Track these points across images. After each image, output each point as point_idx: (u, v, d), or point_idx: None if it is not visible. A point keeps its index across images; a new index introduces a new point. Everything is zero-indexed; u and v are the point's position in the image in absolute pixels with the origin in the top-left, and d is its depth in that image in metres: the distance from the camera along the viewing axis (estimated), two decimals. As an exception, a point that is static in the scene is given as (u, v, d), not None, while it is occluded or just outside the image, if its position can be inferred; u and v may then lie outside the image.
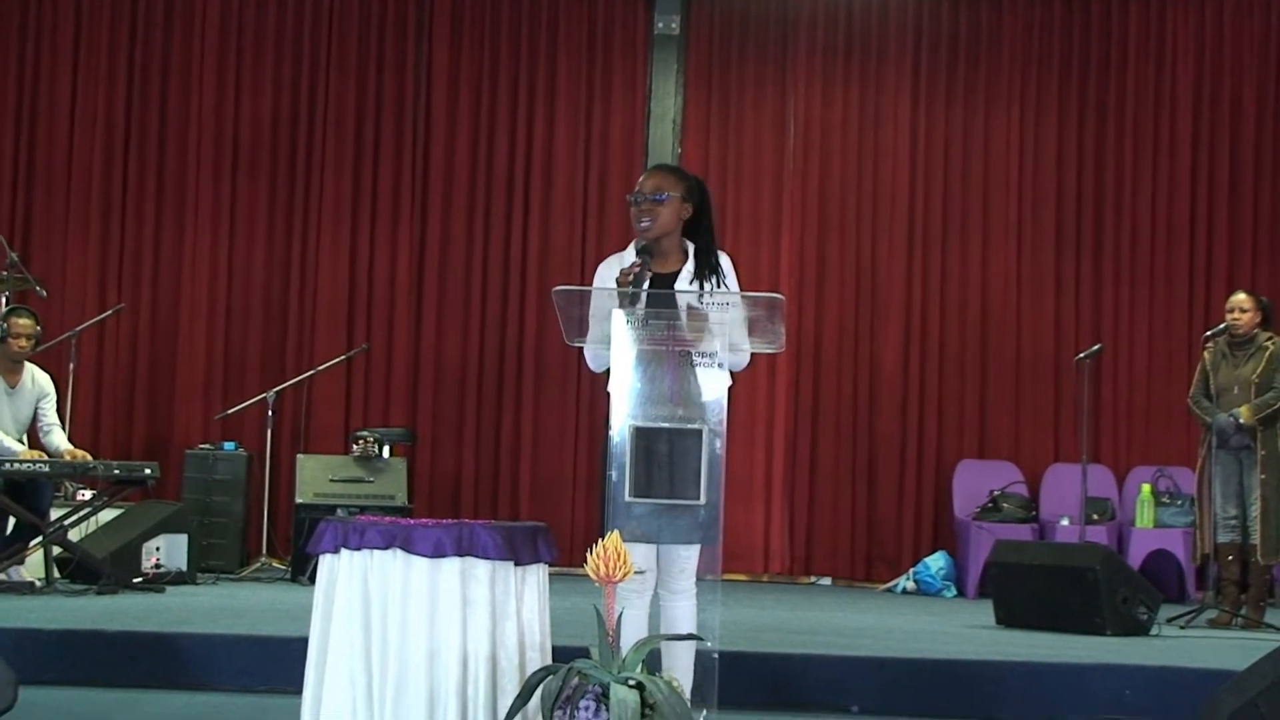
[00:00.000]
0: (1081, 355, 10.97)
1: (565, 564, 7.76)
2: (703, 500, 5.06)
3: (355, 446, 11.73)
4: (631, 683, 4.53)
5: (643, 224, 5.55)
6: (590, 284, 5.54)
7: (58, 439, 10.11)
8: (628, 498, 5.05)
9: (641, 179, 5.65)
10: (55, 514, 10.02)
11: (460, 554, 4.95)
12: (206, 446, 12.28)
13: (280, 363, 13.08)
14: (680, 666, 5.29)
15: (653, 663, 4.95)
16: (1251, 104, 13.35)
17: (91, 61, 13.31)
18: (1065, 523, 12.14)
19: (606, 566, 4.66)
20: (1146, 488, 12.34)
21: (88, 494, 10.81)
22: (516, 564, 5.06)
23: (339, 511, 10.96)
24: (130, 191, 13.26)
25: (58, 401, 10.40)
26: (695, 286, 5.49)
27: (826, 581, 13.09)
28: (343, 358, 12.71)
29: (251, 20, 13.41)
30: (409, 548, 4.94)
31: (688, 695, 4.99)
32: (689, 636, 5.28)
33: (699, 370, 5.12)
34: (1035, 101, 13.39)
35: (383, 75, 13.38)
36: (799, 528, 13.11)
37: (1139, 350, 13.19)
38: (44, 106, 13.31)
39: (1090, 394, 11.28)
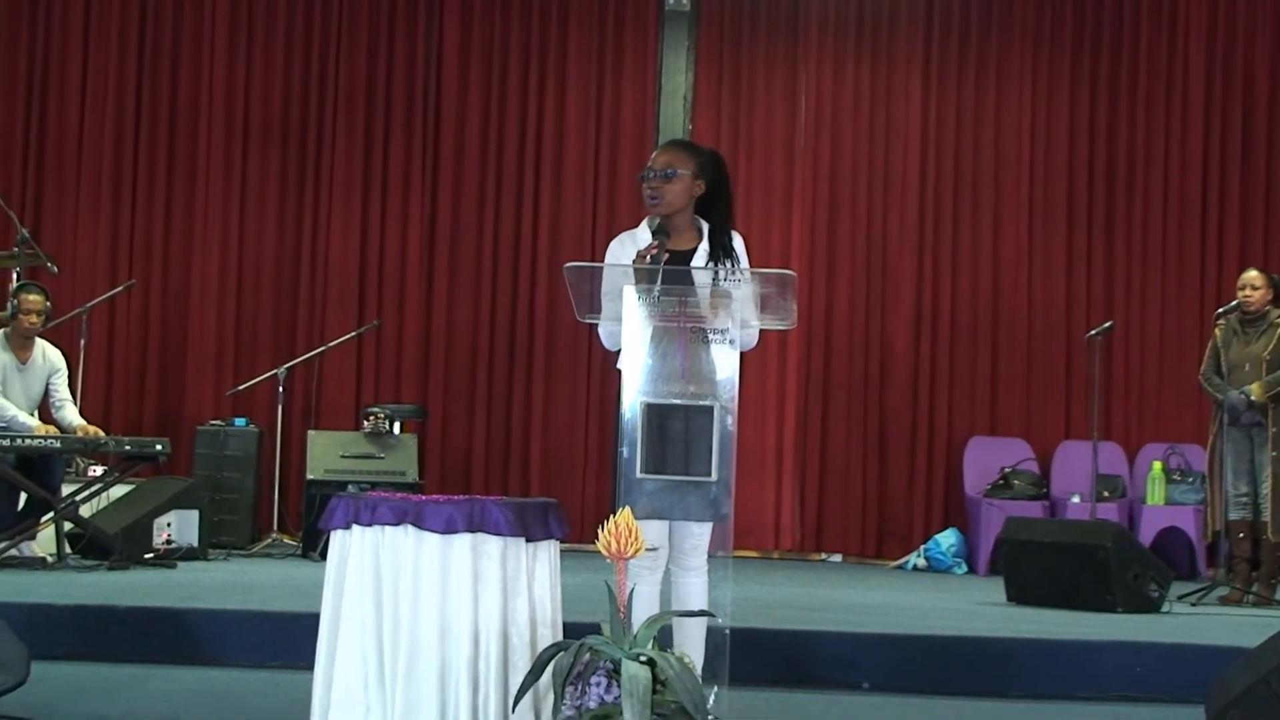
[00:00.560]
0: (1093, 332, 10.96)
1: (576, 540, 7.78)
2: (714, 477, 5.05)
3: (366, 423, 11.73)
4: (643, 659, 4.52)
5: (651, 200, 5.54)
6: (601, 260, 5.52)
7: (70, 414, 10.13)
8: (639, 474, 5.03)
9: (654, 155, 5.62)
10: (67, 489, 10.04)
11: (472, 530, 4.95)
12: (217, 422, 12.29)
13: (291, 339, 13.08)
14: (692, 643, 5.30)
15: (664, 639, 4.94)
16: (1264, 80, 13.31)
17: (102, 38, 13.30)
18: (1076, 500, 12.13)
19: (618, 543, 4.65)
20: (1157, 465, 12.32)
21: (99, 470, 10.81)
22: (528, 540, 5.05)
23: (350, 488, 10.95)
24: (141, 168, 13.26)
25: (69, 378, 10.42)
26: (709, 267, 5.47)
27: (837, 558, 13.09)
28: (353, 334, 12.70)
29: (262, -3, 13.42)
30: (420, 524, 4.94)
31: (699, 671, 4.99)
32: (700, 613, 5.28)
33: (711, 347, 5.11)
34: (1046, 78, 13.35)
35: (393, 52, 13.36)
36: (810, 504, 13.11)
37: (1150, 327, 13.17)
38: (55, 83, 13.30)
39: (1101, 371, 11.29)
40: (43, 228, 12.88)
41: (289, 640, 6.88)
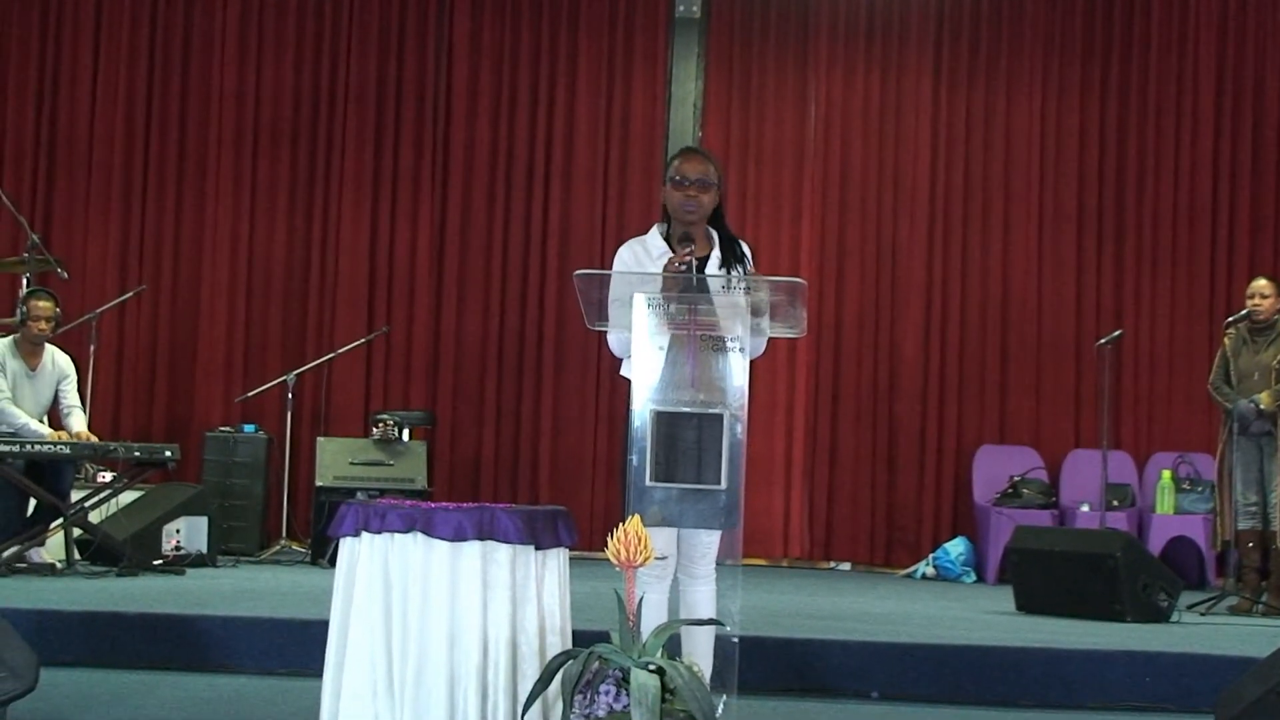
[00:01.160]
0: (1102, 341, 10.96)
1: (585, 548, 7.78)
2: (724, 485, 5.05)
3: (375, 429, 11.75)
4: (652, 667, 4.53)
5: (689, 209, 5.53)
6: (610, 267, 5.52)
7: (75, 422, 10.13)
8: (648, 482, 5.04)
9: (679, 163, 5.60)
10: (76, 496, 10.04)
11: (481, 538, 4.95)
12: (227, 429, 12.30)
13: (301, 345, 13.10)
14: (700, 651, 5.30)
15: (673, 648, 4.94)
16: (1274, 86, 13.30)
17: (112, 41, 13.33)
18: (1085, 509, 12.13)
19: (627, 551, 4.66)
20: (1167, 474, 12.31)
21: (108, 476, 10.83)
22: (537, 548, 5.06)
23: (359, 494, 10.98)
24: (151, 172, 13.29)
25: (78, 383, 10.43)
26: (723, 273, 5.48)
27: (846, 566, 13.09)
28: (363, 340, 12.71)
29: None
30: (430, 531, 4.95)
31: (708, 680, 4.99)
32: (709, 621, 5.28)
33: (721, 355, 5.11)
34: (1056, 84, 13.35)
35: (403, 55, 13.38)
36: (819, 512, 13.11)
37: (1160, 335, 13.16)
38: (65, 86, 13.33)
39: (1111, 379, 11.28)
40: (53, 232, 12.92)
41: (298, 647, 6.89)
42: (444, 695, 4.87)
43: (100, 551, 9.84)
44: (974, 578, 12.39)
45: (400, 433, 11.75)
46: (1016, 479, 12.57)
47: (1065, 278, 13.21)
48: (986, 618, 9.02)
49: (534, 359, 13.20)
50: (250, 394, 12.33)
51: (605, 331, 5.40)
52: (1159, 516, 12.20)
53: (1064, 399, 13.11)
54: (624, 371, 5.44)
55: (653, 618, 5.12)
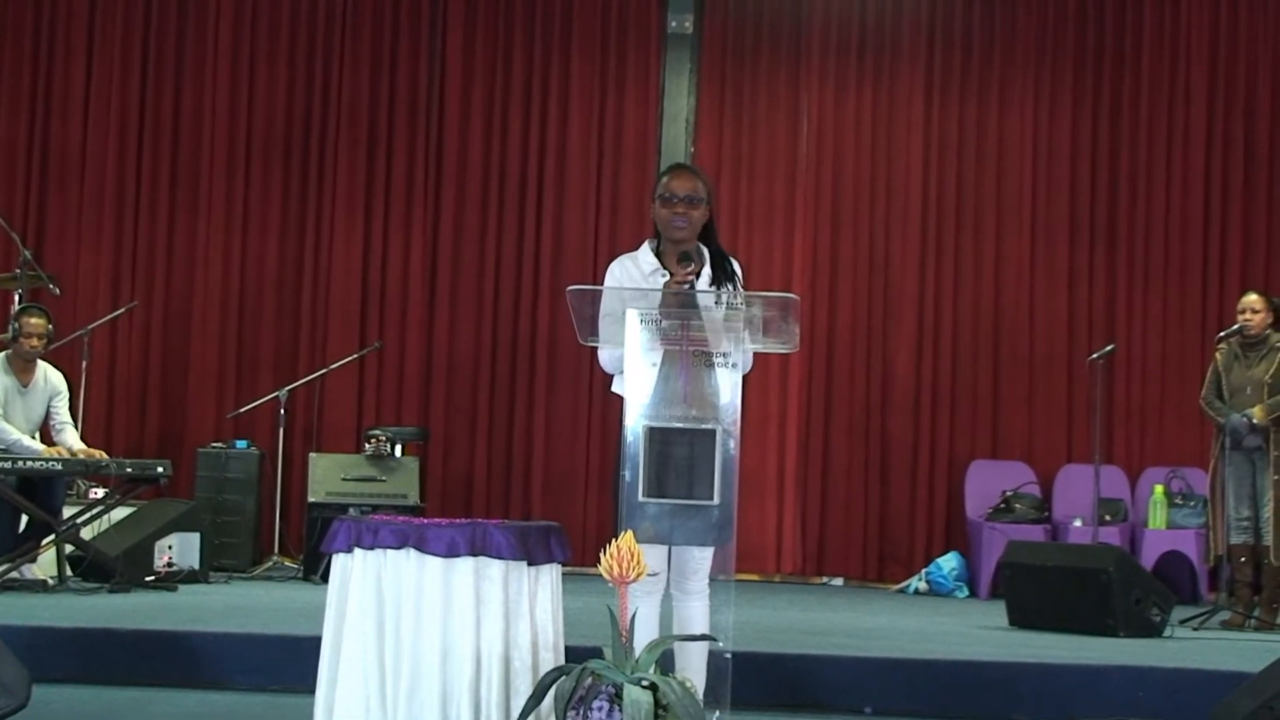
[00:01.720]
0: (1095, 355, 10.97)
1: (578, 563, 7.76)
2: (716, 501, 5.07)
3: (368, 445, 11.74)
4: (645, 683, 4.54)
5: (680, 225, 5.55)
6: (602, 282, 5.54)
7: (70, 438, 10.13)
8: (641, 498, 5.05)
9: (668, 179, 5.62)
10: (68, 512, 10.05)
11: (474, 554, 4.97)
12: (219, 445, 12.29)
13: (293, 360, 13.09)
14: (693, 667, 5.31)
15: (666, 663, 4.95)
16: (1266, 100, 13.33)
17: (105, 56, 13.33)
18: (1078, 523, 12.13)
19: (620, 567, 4.67)
20: (1159, 488, 12.32)
21: (100, 492, 10.83)
22: (530, 564, 5.07)
23: (351, 510, 10.97)
24: (144, 187, 13.29)
25: (70, 399, 10.43)
26: (713, 289, 5.50)
27: (838, 582, 13.09)
28: (355, 356, 12.71)
29: (265, 14, 13.42)
30: (423, 547, 4.96)
31: (701, 696, 4.99)
32: (702, 637, 5.29)
33: (713, 370, 5.13)
34: (1049, 97, 13.37)
35: (396, 70, 13.39)
36: (811, 527, 13.11)
37: (1152, 349, 13.17)
38: (58, 102, 13.33)
39: (1103, 394, 11.29)
40: (45, 247, 12.93)
41: (291, 663, 6.89)
42: (437, 711, 4.88)
43: (92, 568, 9.82)
44: (966, 593, 12.39)
45: (393, 448, 11.74)
46: (1009, 494, 12.58)
47: (1057, 291, 13.23)
48: (979, 632, 9.03)
49: (526, 374, 13.21)
50: (242, 409, 12.33)
51: (596, 347, 5.42)
52: (1151, 531, 12.21)
53: (1056, 413, 13.12)
54: (616, 388, 5.46)
55: (645, 633, 5.13)
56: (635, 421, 5.08)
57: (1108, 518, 12.07)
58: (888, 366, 13.22)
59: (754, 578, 12.84)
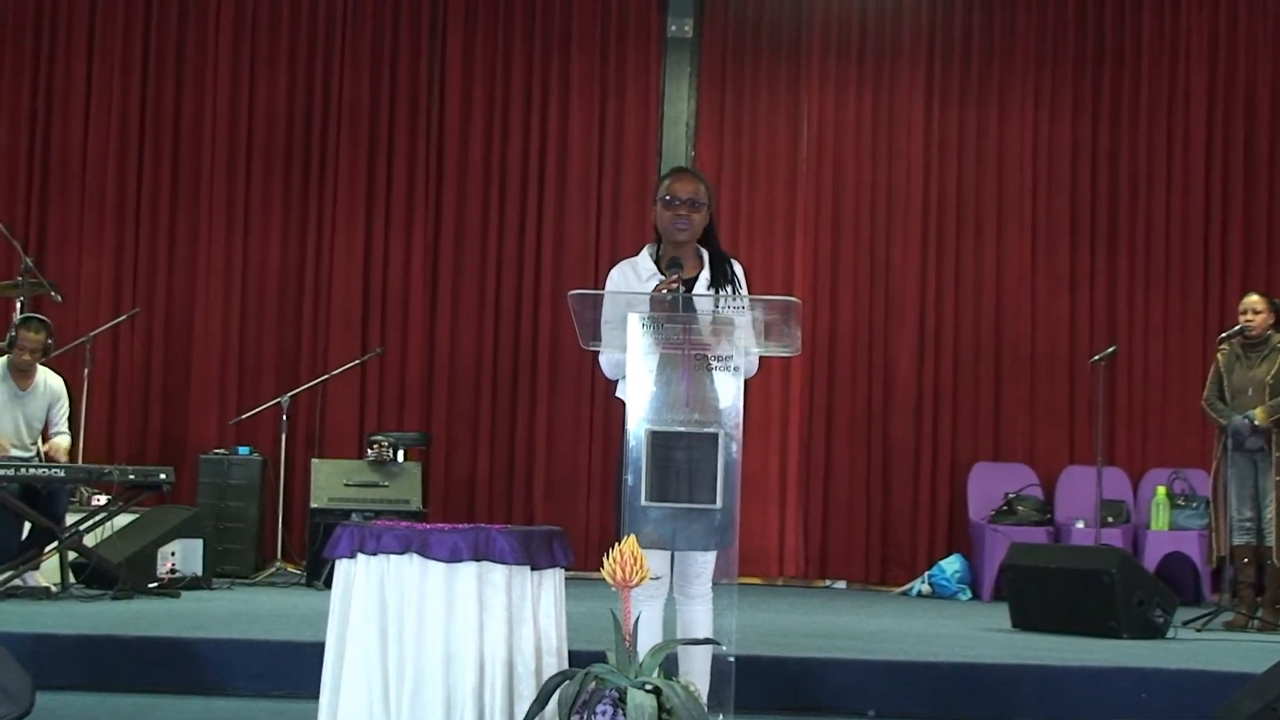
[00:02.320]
0: (1096, 357, 10.97)
1: (580, 568, 7.76)
2: (719, 505, 5.08)
3: (370, 450, 11.74)
4: (648, 687, 4.54)
5: (681, 228, 5.57)
6: (603, 286, 5.55)
7: (58, 441, 10.18)
8: (643, 502, 5.06)
9: (670, 182, 5.64)
10: (71, 519, 10.05)
11: (477, 559, 4.97)
12: (221, 451, 12.29)
13: (295, 366, 13.09)
14: (697, 671, 5.31)
15: (669, 667, 4.96)
16: (1265, 101, 13.34)
17: (105, 60, 13.33)
18: (1080, 525, 12.14)
19: (623, 571, 4.68)
20: (1161, 490, 12.33)
21: (103, 499, 10.83)
22: (533, 568, 5.08)
23: (354, 516, 10.97)
24: (145, 192, 13.28)
25: (71, 406, 10.44)
26: (713, 293, 5.51)
27: (841, 585, 13.09)
28: (357, 361, 12.72)
29: (266, 17, 13.42)
30: (425, 552, 4.96)
31: (704, 700, 5.00)
32: (706, 641, 5.29)
33: (715, 374, 5.14)
34: (1050, 99, 13.38)
35: (396, 75, 13.40)
36: (814, 531, 13.12)
37: (1154, 350, 13.18)
38: (58, 106, 13.33)
39: (1105, 395, 11.29)
40: (46, 253, 12.92)
41: (294, 669, 6.89)
42: (441, 716, 4.88)
43: (95, 575, 9.84)
44: (969, 595, 12.40)
45: (395, 454, 11.74)
46: (1011, 496, 12.58)
47: (1059, 293, 13.23)
48: (982, 635, 9.03)
49: (528, 378, 13.22)
50: (244, 416, 12.34)
51: (599, 352, 5.43)
52: (1154, 533, 12.21)
53: (1058, 415, 13.13)
54: (618, 393, 5.47)
55: (648, 636, 5.13)
56: (637, 425, 5.09)
57: (1110, 519, 12.07)
58: (889, 369, 13.23)
59: (757, 581, 12.85)
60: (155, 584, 10.14)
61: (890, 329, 13.26)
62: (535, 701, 4.72)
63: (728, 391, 5.13)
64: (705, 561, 5.42)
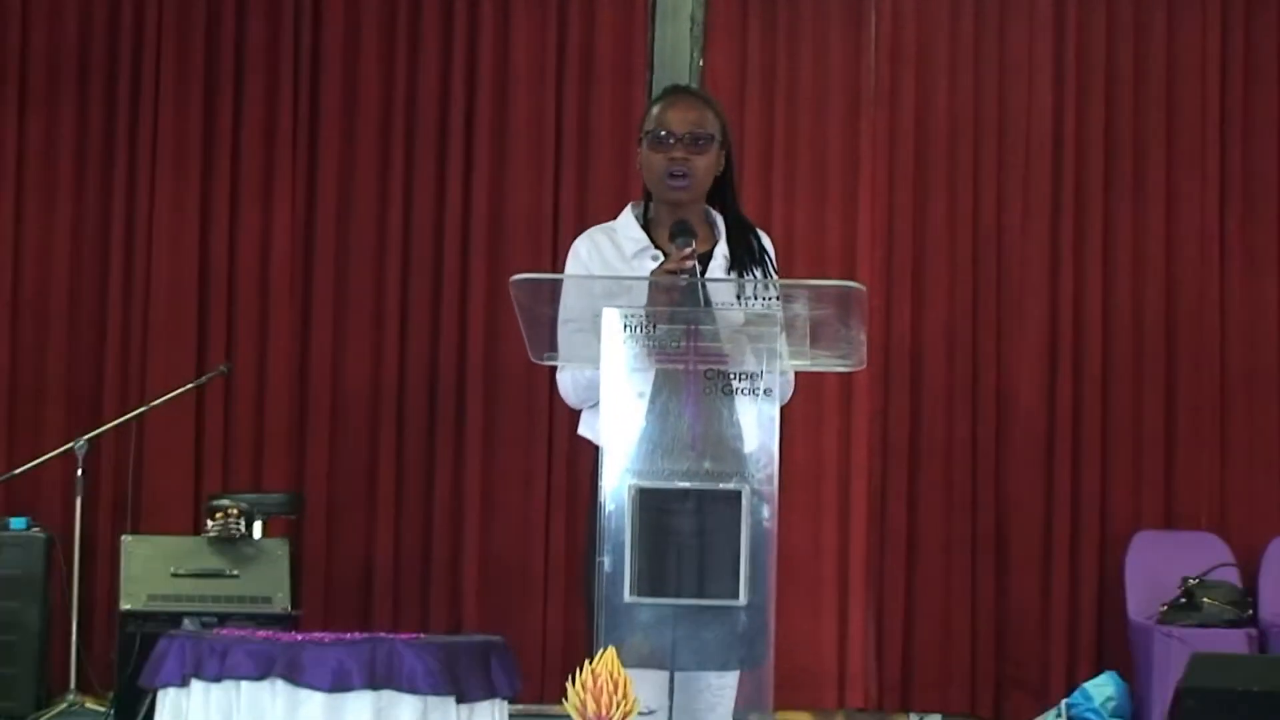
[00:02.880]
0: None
1: (533, 699, 7.79)
2: (743, 600, 5.08)
3: (211, 521, 11.75)
4: None
5: (677, 179, 5.58)
6: (564, 269, 5.56)
7: None
8: (628, 597, 5.06)
9: (660, 109, 5.66)
10: None
11: (374, 686, 4.97)
12: (-17, 525, 12.32)
13: (95, 396, 13.09)
14: None
15: None
16: None
17: None
18: (1298, 626, 12.22)
19: (597, 703, 4.68)
20: None
21: None
22: (459, 700, 5.08)
23: (187, 623, 10.98)
24: None
25: None
26: (735, 278, 5.52)
27: (935, 720, 13.16)
28: (190, 386, 12.71)
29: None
30: (295, 677, 4.96)
31: None
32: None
33: (736, 400, 5.14)
34: (1244, -16, 13.44)
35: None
36: (890, 640, 13.13)
37: None
38: None
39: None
40: None
41: None
42: None
43: None
44: (1130, 735, 12.47)
45: (249, 526, 11.75)
46: (1192, 582, 12.59)
47: (1265, 280, 13.23)
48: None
49: (451, 411, 13.21)
50: (16, 471, 12.33)
51: (555, 367, 5.43)
52: None
53: (1265, 461, 13.14)
54: (585, 430, 5.47)
55: (639, 805, 5.14)
56: (618, 480, 5.09)
57: (1345, 618, 12.14)
58: (1004, 393, 13.24)
59: (806, 717, 12.87)
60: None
61: (1005, 333, 13.27)
62: None
63: (756, 427, 5.14)
64: (723, 688, 5.43)
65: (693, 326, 5.16)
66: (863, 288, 5.31)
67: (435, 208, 13.32)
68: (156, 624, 10.91)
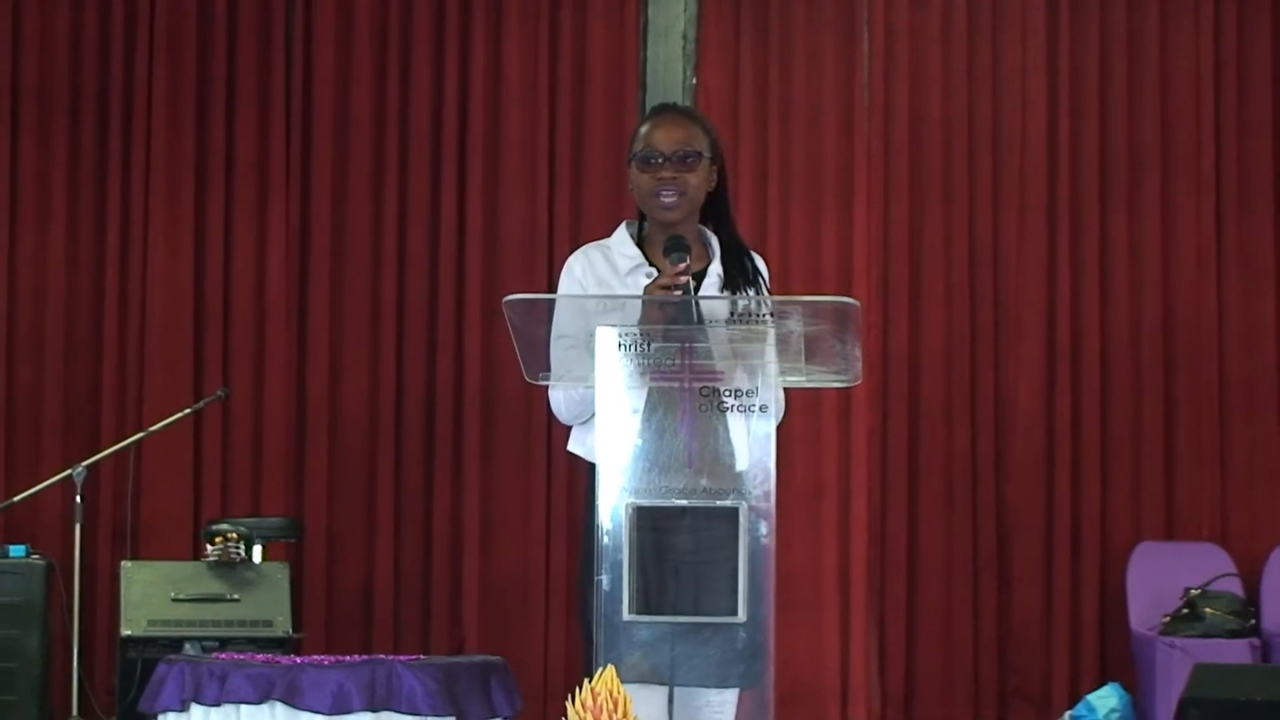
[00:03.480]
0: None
1: (534, 716, 7.79)
2: (742, 617, 5.09)
3: (210, 546, 11.76)
4: None
5: (668, 197, 5.59)
6: (556, 287, 5.57)
7: None
8: (627, 616, 5.07)
9: (648, 128, 5.67)
10: None
11: (374, 708, 4.99)
12: (-18, 553, 12.32)
13: (93, 422, 13.09)
14: None
15: None
16: None
17: None
18: (1302, 636, 12.23)
19: (597, 721, 4.69)
20: None
21: None
22: (460, 720, 5.09)
23: (187, 647, 10.98)
24: None
25: None
26: (729, 295, 5.53)
27: (938, 734, 13.16)
28: (188, 411, 12.72)
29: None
30: (295, 701, 4.97)
31: None
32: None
33: (732, 418, 5.15)
34: (1238, -8, 13.46)
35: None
36: (893, 654, 13.13)
37: None
38: None
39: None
40: None
41: None
42: None
43: None
44: (1133, 746, 12.46)
45: (249, 551, 11.76)
46: (1194, 592, 12.60)
47: (1263, 289, 13.24)
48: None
49: (449, 432, 13.21)
50: (16, 498, 12.33)
51: (549, 387, 5.44)
52: None
53: (1265, 470, 13.14)
54: (575, 446, 5.48)
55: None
56: (615, 499, 5.10)
57: (1348, 627, 12.15)
58: (1003, 405, 13.24)
59: (808, 733, 12.91)
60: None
61: (1003, 345, 13.28)
62: None
63: (753, 444, 5.15)
64: (722, 704, 5.44)
65: (687, 344, 5.17)
66: (857, 303, 5.31)
67: (429, 229, 13.32)
68: (157, 649, 10.93)
